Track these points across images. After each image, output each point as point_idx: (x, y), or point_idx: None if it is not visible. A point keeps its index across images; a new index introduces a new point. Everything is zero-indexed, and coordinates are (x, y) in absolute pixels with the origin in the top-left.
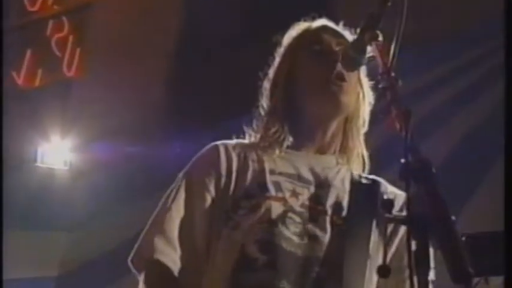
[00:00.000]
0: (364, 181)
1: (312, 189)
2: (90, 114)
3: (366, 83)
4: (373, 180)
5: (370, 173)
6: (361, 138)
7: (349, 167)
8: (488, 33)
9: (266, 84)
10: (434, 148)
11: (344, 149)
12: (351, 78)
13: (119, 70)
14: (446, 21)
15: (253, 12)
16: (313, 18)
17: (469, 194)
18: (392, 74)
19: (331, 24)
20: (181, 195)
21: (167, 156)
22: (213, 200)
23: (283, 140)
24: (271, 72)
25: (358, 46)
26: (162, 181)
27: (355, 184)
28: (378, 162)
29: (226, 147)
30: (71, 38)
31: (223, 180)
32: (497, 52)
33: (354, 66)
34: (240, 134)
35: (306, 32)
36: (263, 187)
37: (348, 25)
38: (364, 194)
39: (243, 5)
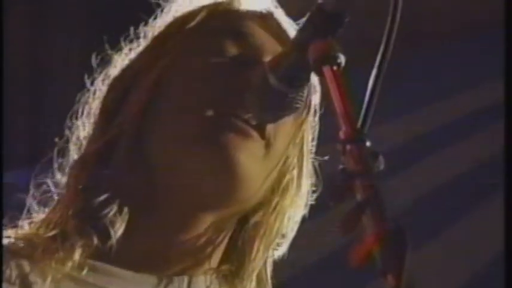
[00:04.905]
0: None
1: None
2: None
3: (308, 147)
4: None
5: None
6: (271, 248)
7: None
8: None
9: (94, 101)
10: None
11: (231, 266)
12: (279, 132)
13: None
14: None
15: None
16: None
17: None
18: (368, 143)
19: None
20: None
21: None
22: None
23: (96, 233)
24: (114, 74)
25: (291, 69)
26: None
27: None
28: None
29: None
30: None
31: None
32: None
33: (273, 113)
34: None
35: (216, 8)
36: None
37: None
38: None
39: None
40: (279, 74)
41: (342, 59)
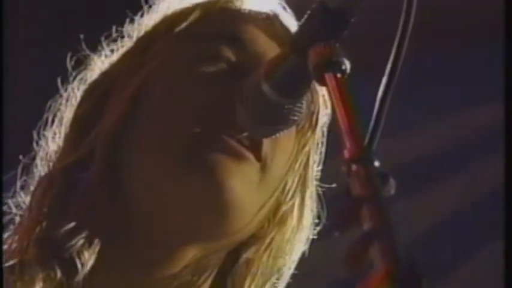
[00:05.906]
0: None
1: None
2: None
3: (312, 173)
4: None
5: None
6: None
7: None
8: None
9: (67, 109)
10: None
11: None
12: (278, 154)
13: None
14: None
15: None
16: None
17: None
18: (376, 163)
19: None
20: None
21: None
22: None
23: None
24: (91, 79)
25: (287, 76)
26: None
27: None
28: None
29: None
30: None
31: None
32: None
33: (267, 127)
34: None
35: (212, 7)
36: None
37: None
38: None
39: None
40: (274, 82)
41: (346, 65)
